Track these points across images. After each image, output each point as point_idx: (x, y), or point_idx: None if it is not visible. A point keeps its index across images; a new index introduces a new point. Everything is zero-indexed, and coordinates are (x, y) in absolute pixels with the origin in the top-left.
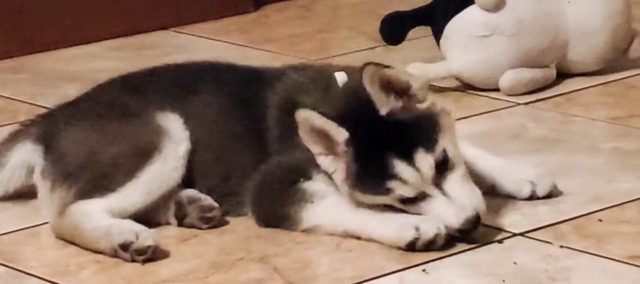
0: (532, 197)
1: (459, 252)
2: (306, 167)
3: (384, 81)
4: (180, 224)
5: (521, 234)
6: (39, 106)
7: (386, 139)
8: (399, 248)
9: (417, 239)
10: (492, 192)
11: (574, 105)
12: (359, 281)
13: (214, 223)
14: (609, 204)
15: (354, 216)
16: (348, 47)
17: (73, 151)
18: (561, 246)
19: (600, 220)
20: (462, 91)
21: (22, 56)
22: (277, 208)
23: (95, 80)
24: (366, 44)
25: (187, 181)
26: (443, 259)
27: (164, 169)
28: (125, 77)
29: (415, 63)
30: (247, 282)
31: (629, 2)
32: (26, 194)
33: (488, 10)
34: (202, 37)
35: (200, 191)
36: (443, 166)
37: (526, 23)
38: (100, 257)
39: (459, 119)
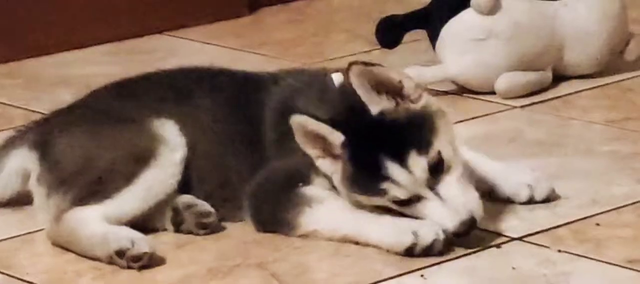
0: (530, 201)
1: (457, 257)
2: (304, 172)
3: (374, 80)
4: (177, 230)
5: (519, 238)
6: (34, 111)
7: (379, 140)
8: (397, 253)
9: (415, 244)
10: (490, 196)
11: (571, 108)
12: None
13: (211, 228)
14: (607, 208)
15: (352, 220)
16: (343, 50)
17: (69, 157)
18: (559, 251)
19: (598, 224)
20: (458, 95)
21: (17, 61)
22: (275, 213)
23: (90, 85)
24: (362, 48)
25: (184, 187)
26: (441, 265)
27: (161, 176)
28: (120, 82)
29: (411, 66)
30: None
31: (625, 4)
32: (22, 200)
33: (483, 13)
34: (197, 41)
35: (197, 197)
36: (438, 168)
37: (522, 26)
38: (97, 264)
39: (455, 123)
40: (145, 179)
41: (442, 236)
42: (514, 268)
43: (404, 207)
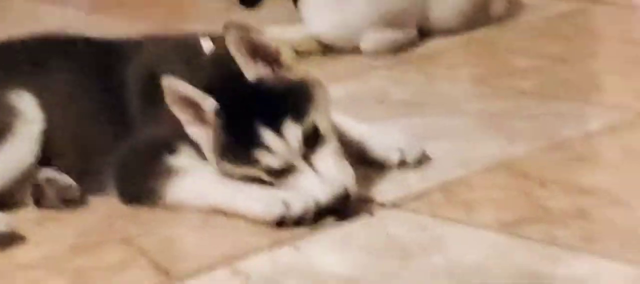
0: (402, 164)
1: (331, 227)
2: (171, 141)
3: (251, 46)
4: (38, 205)
5: (392, 204)
6: None
7: (254, 107)
8: (267, 224)
9: (285, 214)
10: (361, 161)
11: (437, 66)
12: (229, 259)
13: (73, 203)
14: (478, 169)
15: (220, 190)
16: (204, 9)
17: None
18: (433, 216)
19: (469, 186)
20: (323, 55)
21: None
22: (141, 183)
23: None
24: (223, 6)
25: (44, 161)
26: (315, 235)
27: (18, 151)
28: None
29: (273, 26)
30: (111, 265)
31: None
32: None
33: None
34: (48, 4)
35: (59, 171)
36: (313, 139)
37: None
38: None
39: None
40: (1, 155)
41: (312, 206)
42: (389, 235)
43: (277, 178)
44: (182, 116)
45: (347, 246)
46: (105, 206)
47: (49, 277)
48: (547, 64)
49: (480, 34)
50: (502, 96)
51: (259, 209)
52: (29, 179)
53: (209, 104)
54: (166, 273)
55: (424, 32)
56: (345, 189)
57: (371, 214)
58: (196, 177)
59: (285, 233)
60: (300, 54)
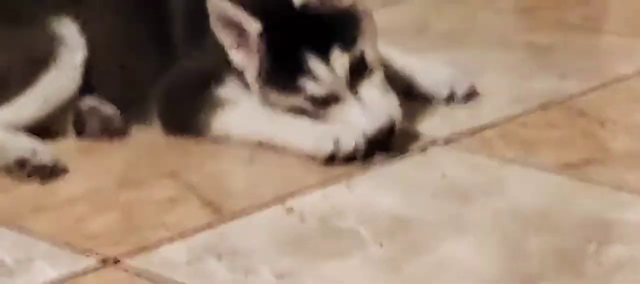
0: (450, 99)
1: (382, 165)
2: (218, 71)
3: None
4: (80, 135)
5: (445, 142)
6: None
7: (301, 33)
8: (317, 161)
9: (336, 151)
10: (407, 94)
11: None
12: (280, 197)
13: (115, 133)
14: (530, 106)
15: (270, 123)
16: None
17: None
18: (489, 156)
19: (523, 124)
20: None
21: None
22: (187, 114)
23: None
24: None
25: (87, 90)
26: (367, 173)
27: (60, 79)
28: None
29: None
30: (160, 201)
31: None
32: None
33: None
34: None
35: (101, 100)
36: (360, 69)
37: None
38: None
39: None
40: (44, 82)
41: (362, 144)
42: (444, 175)
43: (321, 107)
44: (227, 39)
45: (401, 184)
46: (149, 137)
47: (96, 212)
48: None
49: None
50: (548, 28)
51: (309, 144)
52: (71, 108)
53: (254, 26)
54: (218, 210)
55: None
56: (392, 121)
57: (423, 151)
58: (245, 110)
59: (336, 170)
60: None
